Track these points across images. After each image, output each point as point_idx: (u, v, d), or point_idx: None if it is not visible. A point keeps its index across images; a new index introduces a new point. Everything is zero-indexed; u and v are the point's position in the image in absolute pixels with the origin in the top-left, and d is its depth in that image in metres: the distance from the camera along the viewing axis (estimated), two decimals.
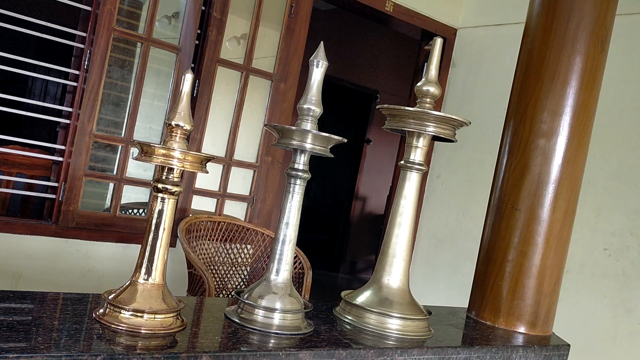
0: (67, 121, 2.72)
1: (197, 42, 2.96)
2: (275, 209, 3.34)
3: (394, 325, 1.39)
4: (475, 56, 3.83)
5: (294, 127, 1.25)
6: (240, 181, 3.17)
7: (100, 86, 2.68)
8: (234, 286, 3.01)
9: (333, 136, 1.25)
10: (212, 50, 2.97)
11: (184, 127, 1.11)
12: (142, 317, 1.07)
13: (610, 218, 2.94)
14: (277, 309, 1.23)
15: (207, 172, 1.13)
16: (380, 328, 1.38)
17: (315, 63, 1.28)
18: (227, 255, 3.00)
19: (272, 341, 1.15)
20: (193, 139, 2.98)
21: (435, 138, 1.49)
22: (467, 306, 1.85)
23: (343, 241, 7.13)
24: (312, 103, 1.27)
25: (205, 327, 1.16)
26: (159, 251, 1.11)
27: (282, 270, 1.28)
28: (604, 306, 2.90)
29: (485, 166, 3.61)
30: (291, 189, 1.28)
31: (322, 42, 1.30)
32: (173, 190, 1.11)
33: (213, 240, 2.92)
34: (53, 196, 2.71)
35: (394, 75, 6.91)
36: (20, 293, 1.15)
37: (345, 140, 1.28)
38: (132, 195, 2.92)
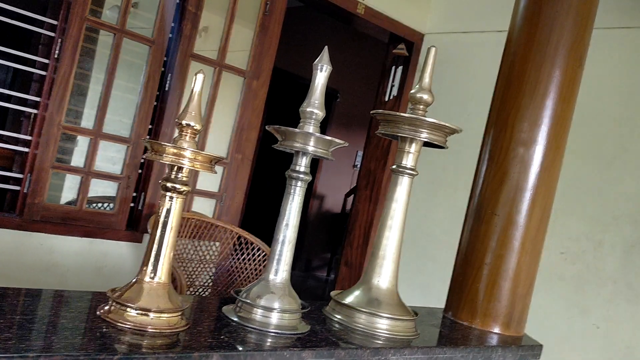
0: (34, 111, 2.64)
1: (170, 35, 2.92)
2: (244, 206, 3.33)
3: (383, 325, 1.43)
4: (440, 62, 3.92)
5: (297, 130, 1.27)
6: (210, 178, 3.15)
7: (71, 76, 2.62)
8: (202, 283, 2.99)
9: (335, 139, 1.27)
10: (185, 45, 2.94)
11: (194, 127, 1.11)
12: (148, 315, 1.07)
13: (567, 223, 3.07)
14: (276, 309, 1.25)
15: (216, 172, 1.13)
16: (370, 328, 1.42)
17: (319, 67, 1.30)
18: (196, 252, 2.98)
19: (272, 340, 1.17)
20: (163, 134, 2.94)
21: (425, 144, 1.53)
22: (442, 306, 1.91)
23: (299, 239, 7.15)
24: (315, 106, 1.29)
25: (207, 326, 1.16)
26: (165, 250, 1.11)
27: (280, 271, 1.29)
28: (559, 307, 3.03)
29: (447, 169, 3.70)
30: (292, 191, 1.30)
31: (326, 47, 1.33)
32: (182, 189, 1.11)
33: (182, 236, 2.89)
34: (17, 188, 2.63)
35: (356, 76, 6.98)
36: (16, 290, 1.12)
37: (347, 144, 1.30)
38: (99, 189, 2.86)
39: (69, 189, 2.78)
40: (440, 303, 2.06)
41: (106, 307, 1.09)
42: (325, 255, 7.31)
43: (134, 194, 2.94)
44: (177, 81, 2.94)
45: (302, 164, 1.29)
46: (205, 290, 3.01)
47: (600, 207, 2.99)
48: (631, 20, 2.97)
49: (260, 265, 2.90)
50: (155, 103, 2.92)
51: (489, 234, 1.78)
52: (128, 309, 1.07)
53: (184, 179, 1.11)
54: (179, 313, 1.11)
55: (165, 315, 1.08)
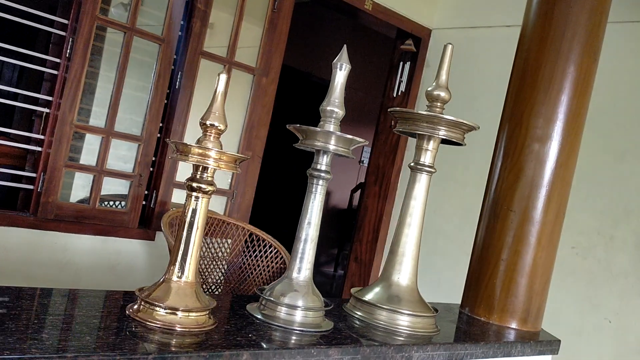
0: (46, 110, 2.65)
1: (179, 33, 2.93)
2: (256, 203, 3.34)
3: (404, 322, 1.44)
4: None
5: (318, 129, 1.28)
6: (221, 175, 3.16)
7: (83, 75, 2.62)
8: (214, 280, 3.00)
9: (356, 138, 1.28)
10: (195, 42, 2.94)
11: (219, 127, 1.12)
12: (176, 314, 1.08)
13: (578, 218, 3.07)
14: (300, 306, 1.26)
15: (240, 172, 1.14)
16: (391, 324, 1.43)
17: (338, 66, 1.30)
18: (208, 250, 2.99)
19: (297, 338, 1.18)
20: (175, 132, 2.95)
21: (443, 141, 1.54)
22: (451, 301, 1.92)
23: None
24: (335, 105, 1.30)
25: (234, 325, 1.17)
26: (192, 249, 1.12)
27: (303, 269, 1.30)
28: (571, 302, 3.04)
29: (457, 165, 3.70)
30: (313, 189, 1.31)
31: (345, 45, 1.33)
32: (207, 189, 1.12)
33: None
34: (30, 187, 2.64)
35: (361, 71, 6.97)
36: (46, 290, 1.13)
37: (367, 143, 1.31)
38: (111, 187, 2.87)
39: (82, 187, 2.79)
40: (450, 298, 2.07)
41: (135, 306, 1.10)
42: (333, 251, 7.32)
43: (146, 192, 2.95)
44: (187, 79, 2.94)
45: (324, 162, 1.30)
46: (217, 287, 3.02)
47: (611, 202, 3.00)
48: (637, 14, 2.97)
49: (272, 262, 2.91)
50: (165, 101, 2.92)
51: (505, 230, 1.79)
52: (157, 308, 1.08)
53: (209, 178, 1.12)
54: (207, 312, 1.12)
55: (194, 314, 1.09)
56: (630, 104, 2.99)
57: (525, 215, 1.76)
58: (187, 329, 1.07)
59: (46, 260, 2.67)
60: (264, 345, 1.08)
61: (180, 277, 1.11)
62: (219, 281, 3.04)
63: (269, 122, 3.28)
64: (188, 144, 1.08)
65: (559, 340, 1.73)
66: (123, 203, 2.92)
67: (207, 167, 1.11)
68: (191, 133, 3.01)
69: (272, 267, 2.91)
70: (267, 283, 2.95)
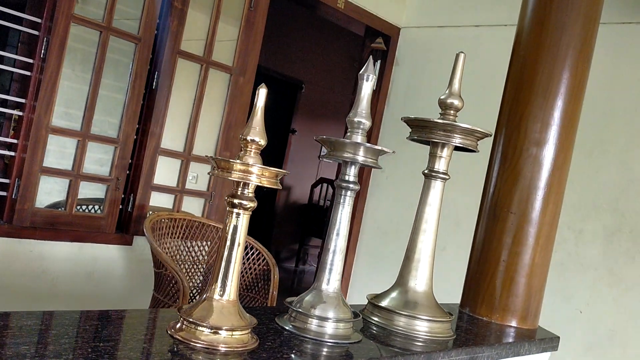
0: (19, 113, 2.53)
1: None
2: None
3: (423, 327, 1.46)
4: (418, 56, 3.98)
5: (347, 140, 1.28)
6: (199, 176, 3.10)
7: (58, 77, 2.52)
8: (196, 284, 2.96)
9: (384, 149, 1.28)
10: (172, 42, 2.87)
11: (259, 142, 1.10)
12: (219, 334, 1.06)
13: None
14: (331, 318, 1.26)
15: (281, 187, 1.13)
16: (410, 330, 1.45)
17: (365, 77, 1.31)
18: (188, 253, 2.94)
19: (338, 351, 1.18)
20: (152, 134, 2.88)
21: (455, 148, 1.56)
22: (442, 300, 1.96)
23: (267, 230, 7.13)
24: (363, 116, 1.30)
25: (273, 341, 1.16)
26: (233, 267, 1.10)
27: (332, 280, 1.30)
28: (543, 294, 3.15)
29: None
30: (341, 200, 1.31)
31: (370, 57, 1.33)
32: (248, 205, 1.10)
33: (174, 237, 2.85)
34: (4, 193, 2.52)
35: (321, 67, 6.98)
36: (84, 313, 1.09)
37: (394, 152, 1.31)
38: (87, 191, 2.77)
39: (57, 192, 2.69)
40: (440, 296, 2.11)
41: (177, 325, 1.08)
42: (294, 246, 7.33)
43: (122, 196, 2.87)
44: (165, 79, 2.87)
45: (352, 173, 1.30)
46: (197, 291, 2.98)
47: (580, 197, 3.12)
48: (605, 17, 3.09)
49: (254, 264, 2.89)
50: (142, 102, 2.85)
51: (505, 232, 1.83)
52: (199, 328, 1.06)
53: (250, 195, 1.11)
54: (249, 330, 1.10)
55: (238, 333, 1.08)
56: (598, 102, 3.11)
57: (525, 216, 1.82)
58: (232, 349, 1.06)
59: (22, 270, 2.57)
60: None
61: (222, 296, 1.09)
62: (199, 285, 2.99)
63: (245, 122, 3.24)
64: (230, 160, 1.06)
65: (558, 337, 1.80)
66: (99, 207, 2.83)
67: (248, 184, 1.09)
68: (169, 134, 2.94)
69: (255, 270, 2.89)
70: (250, 286, 2.93)
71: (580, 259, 3.11)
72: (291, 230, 7.26)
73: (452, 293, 2.08)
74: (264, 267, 2.89)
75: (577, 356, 3.03)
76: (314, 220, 7.11)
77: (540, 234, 1.83)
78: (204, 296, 1.10)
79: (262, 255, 2.94)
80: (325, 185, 7.16)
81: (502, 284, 1.82)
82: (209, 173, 1.04)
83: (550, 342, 1.74)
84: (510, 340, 1.64)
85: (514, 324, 1.81)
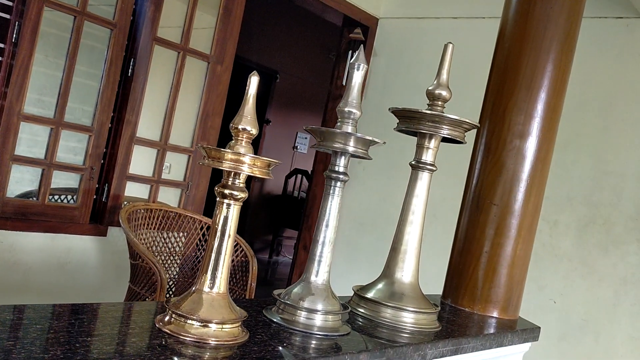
0: None
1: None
2: (209, 195, 3.25)
3: (409, 319, 1.45)
4: (396, 47, 3.97)
5: (337, 130, 1.26)
6: (175, 167, 3.05)
7: (31, 62, 2.44)
8: (172, 276, 2.91)
9: (375, 139, 1.27)
10: (149, 28, 2.81)
11: (251, 131, 1.07)
12: (209, 327, 1.04)
13: None
14: (320, 311, 1.24)
15: (272, 177, 1.11)
16: (396, 322, 1.44)
17: (356, 66, 1.29)
18: (165, 244, 2.89)
19: (326, 344, 1.17)
20: (127, 122, 2.81)
21: (442, 139, 1.56)
22: (432, 292, 1.96)
23: (240, 221, 7.08)
24: (353, 106, 1.28)
25: (263, 333, 1.14)
26: (223, 259, 1.08)
27: (321, 272, 1.28)
28: None
29: (405, 153, 3.76)
30: (331, 191, 1.29)
31: (362, 46, 1.31)
32: (239, 196, 1.07)
33: (150, 228, 2.80)
34: None
35: (296, 57, 6.93)
36: (79, 306, 1.06)
37: (384, 142, 1.30)
38: (60, 181, 2.70)
39: (29, 181, 2.61)
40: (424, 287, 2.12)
41: (166, 318, 1.05)
42: (267, 237, 7.29)
43: (97, 186, 2.80)
44: (141, 66, 2.81)
45: (342, 164, 1.28)
46: (174, 283, 2.93)
47: (555, 189, 3.16)
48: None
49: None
50: (117, 89, 2.78)
51: (487, 223, 1.84)
52: (189, 321, 1.03)
53: (241, 185, 1.08)
54: (239, 323, 1.08)
55: (228, 326, 1.05)
56: (573, 96, 3.15)
57: (507, 208, 1.83)
58: (222, 342, 1.03)
59: None
60: (308, 356, 1.06)
61: (211, 288, 1.07)
62: (176, 277, 2.95)
63: (222, 111, 3.20)
64: (221, 149, 1.03)
65: (539, 328, 1.82)
66: (73, 197, 2.76)
67: (239, 173, 1.06)
68: (145, 123, 2.88)
69: (233, 261, 2.86)
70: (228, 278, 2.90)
71: (554, 249, 3.15)
72: (265, 222, 7.22)
73: (429, 284, 2.09)
74: (242, 258, 2.86)
75: (550, 345, 3.08)
76: (287, 212, 7.08)
77: (522, 225, 1.85)
78: (193, 288, 1.07)
79: (240, 246, 2.91)
80: (299, 176, 7.14)
81: (484, 275, 1.84)
82: (199, 162, 1.01)
83: (531, 332, 1.76)
84: (493, 331, 1.65)
85: (495, 314, 1.82)
